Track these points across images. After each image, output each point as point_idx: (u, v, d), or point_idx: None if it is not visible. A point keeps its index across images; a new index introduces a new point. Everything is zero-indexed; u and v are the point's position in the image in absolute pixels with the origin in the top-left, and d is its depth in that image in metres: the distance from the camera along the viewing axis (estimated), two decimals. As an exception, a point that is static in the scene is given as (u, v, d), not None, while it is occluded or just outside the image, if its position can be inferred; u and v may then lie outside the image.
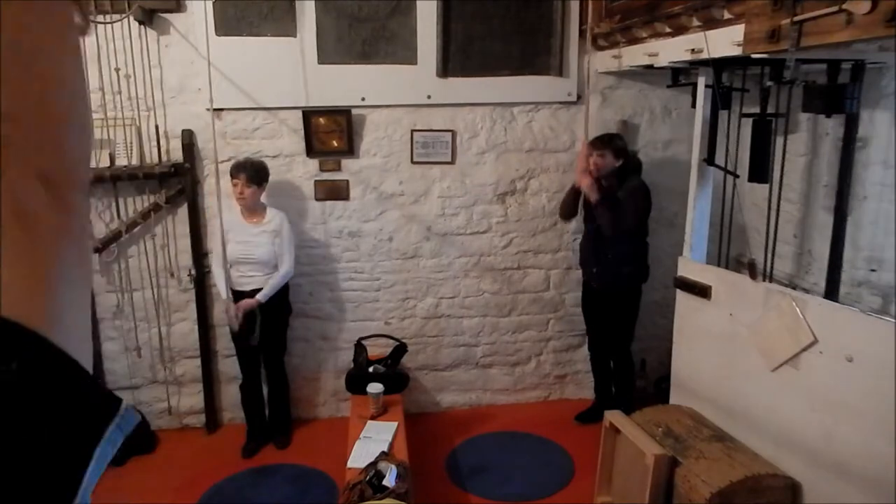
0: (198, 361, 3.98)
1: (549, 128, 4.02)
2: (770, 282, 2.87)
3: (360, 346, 3.92)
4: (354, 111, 3.82)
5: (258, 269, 3.58)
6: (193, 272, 3.85)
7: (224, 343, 3.95)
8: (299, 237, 3.93)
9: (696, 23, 2.82)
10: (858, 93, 2.86)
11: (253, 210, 3.59)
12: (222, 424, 4.11)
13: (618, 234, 3.56)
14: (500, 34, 3.82)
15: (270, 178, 3.65)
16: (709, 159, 3.19)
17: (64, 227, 0.42)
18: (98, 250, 3.74)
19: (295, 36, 3.68)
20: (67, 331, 0.39)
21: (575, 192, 3.69)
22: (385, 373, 3.76)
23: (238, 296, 3.57)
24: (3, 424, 0.34)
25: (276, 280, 3.60)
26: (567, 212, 3.82)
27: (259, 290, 3.57)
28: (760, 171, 3.01)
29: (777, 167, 2.99)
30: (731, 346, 2.91)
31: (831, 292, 3.16)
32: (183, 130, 3.69)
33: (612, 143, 3.61)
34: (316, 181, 3.91)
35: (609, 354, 3.97)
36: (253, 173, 3.50)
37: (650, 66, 3.32)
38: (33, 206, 0.39)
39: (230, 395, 4.03)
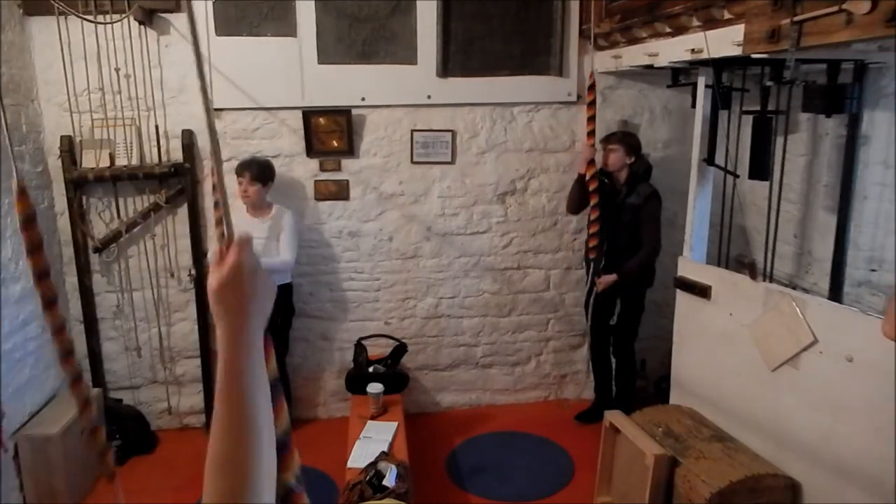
0: (198, 361, 3.98)
1: (549, 128, 4.02)
2: (770, 282, 2.87)
3: (360, 346, 3.92)
4: (354, 111, 3.82)
5: None
6: (193, 272, 3.85)
7: (224, 343, 3.94)
8: (299, 237, 3.93)
9: (696, 23, 2.81)
10: (859, 93, 2.86)
11: (258, 207, 3.61)
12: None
13: (657, 254, 3.69)
14: (500, 34, 3.82)
15: (270, 178, 3.66)
16: (709, 159, 3.20)
17: None
18: (98, 250, 3.74)
19: (295, 36, 3.68)
20: None
21: (580, 183, 3.66)
22: (385, 373, 3.76)
23: None
24: None
25: (272, 261, 3.54)
26: (575, 206, 3.79)
27: None
28: (761, 168, 3.00)
29: (777, 167, 2.99)
30: (731, 346, 2.91)
31: (835, 293, 3.15)
32: (183, 130, 3.69)
33: (625, 140, 3.65)
34: (316, 181, 3.91)
35: (612, 352, 3.97)
36: (258, 171, 3.52)
37: (650, 66, 3.31)
38: None
39: (230, 395, 4.02)
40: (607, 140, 3.68)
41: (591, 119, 3.48)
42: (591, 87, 3.40)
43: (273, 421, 0.86)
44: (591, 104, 3.43)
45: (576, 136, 4.02)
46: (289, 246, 3.62)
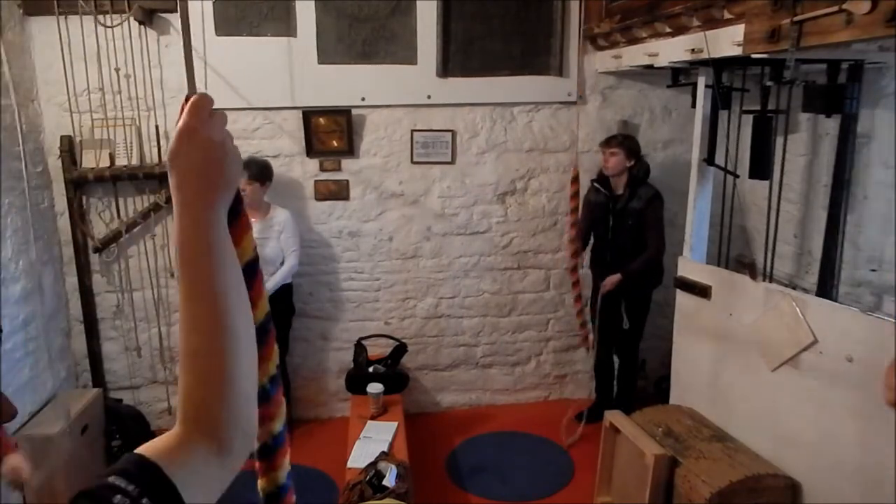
0: (198, 361, 3.97)
1: (549, 128, 4.02)
2: (770, 282, 2.87)
3: (360, 346, 3.92)
4: (354, 111, 3.82)
5: (263, 268, 3.57)
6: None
7: (224, 343, 3.94)
8: (300, 238, 3.93)
9: (696, 23, 2.82)
10: (858, 93, 2.86)
11: (256, 208, 3.60)
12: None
13: (661, 254, 3.70)
14: (500, 34, 3.82)
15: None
16: (709, 159, 3.19)
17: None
18: (98, 250, 3.74)
19: (295, 36, 3.68)
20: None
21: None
22: (385, 373, 3.76)
23: None
24: None
25: (280, 273, 3.60)
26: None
27: None
28: (761, 167, 3.00)
29: (777, 167, 2.99)
30: (732, 346, 2.91)
31: (823, 289, 3.15)
32: (183, 130, 3.69)
33: (625, 143, 3.64)
34: (316, 181, 3.91)
35: (616, 352, 3.97)
36: (256, 171, 3.52)
37: (650, 66, 3.32)
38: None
39: (230, 395, 4.02)
40: (607, 144, 3.66)
41: (574, 211, 3.78)
42: (575, 179, 3.75)
43: (251, 315, 0.75)
44: (574, 195, 3.77)
45: (576, 136, 4.02)
46: (293, 250, 3.64)
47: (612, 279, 3.68)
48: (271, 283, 3.55)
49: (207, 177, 0.72)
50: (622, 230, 3.68)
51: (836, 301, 2.93)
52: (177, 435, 0.67)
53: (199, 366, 0.69)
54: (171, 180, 0.72)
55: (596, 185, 3.79)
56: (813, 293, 3.20)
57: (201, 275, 0.70)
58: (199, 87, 3.63)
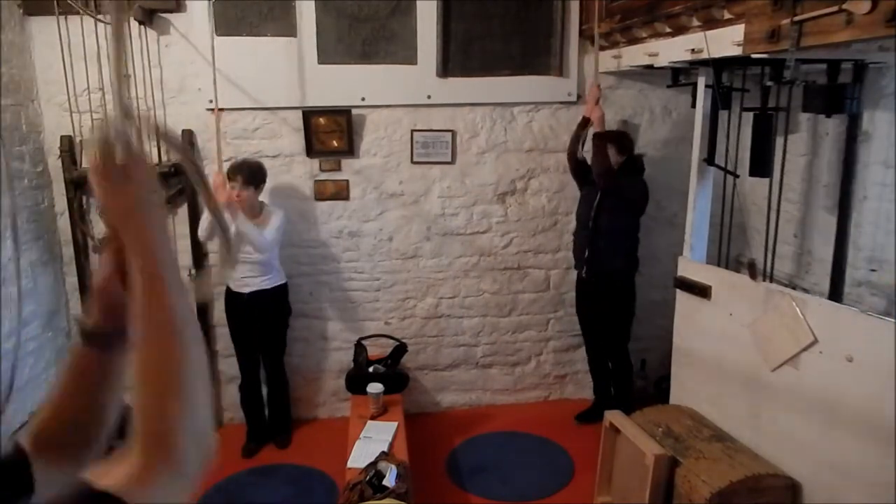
0: (198, 361, 3.97)
1: (549, 128, 4.02)
2: (770, 282, 2.87)
3: (360, 346, 3.92)
4: (354, 111, 3.82)
5: (255, 271, 3.57)
6: (193, 272, 3.84)
7: (224, 343, 3.94)
8: (299, 237, 3.93)
9: (696, 23, 2.82)
10: (859, 93, 2.86)
11: (251, 211, 3.57)
12: (222, 424, 4.11)
13: (610, 186, 3.57)
14: (500, 34, 3.82)
15: (271, 178, 3.65)
16: (709, 159, 3.20)
17: None
18: (98, 250, 3.74)
19: (295, 36, 3.68)
20: None
21: (583, 127, 3.72)
22: (385, 373, 3.76)
23: (235, 297, 3.57)
24: None
25: (250, 230, 3.39)
26: (574, 148, 3.80)
27: (256, 291, 3.56)
28: (761, 165, 3.01)
29: (777, 166, 2.99)
30: (732, 346, 2.91)
31: (835, 294, 3.14)
32: (183, 130, 3.69)
33: (618, 139, 3.64)
34: (316, 181, 3.91)
35: (607, 356, 3.97)
36: (249, 175, 3.46)
37: (650, 66, 3.32)
38: None
39: (230, 395, 4.02)
40: (600, 137, 3.66)
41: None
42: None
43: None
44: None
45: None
46: (269, 231, 3.51)
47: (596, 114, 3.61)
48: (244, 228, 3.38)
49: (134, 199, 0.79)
50: (603, 216, 3.66)
51: (838, 302, 2.93)
52: (138, 465, 0.69)
53: (156, 383, 0.73)
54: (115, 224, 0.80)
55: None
56: (813, 293, 3.20)
57: (161, 292, 0.75)
58: (202, 87, 3.63)
